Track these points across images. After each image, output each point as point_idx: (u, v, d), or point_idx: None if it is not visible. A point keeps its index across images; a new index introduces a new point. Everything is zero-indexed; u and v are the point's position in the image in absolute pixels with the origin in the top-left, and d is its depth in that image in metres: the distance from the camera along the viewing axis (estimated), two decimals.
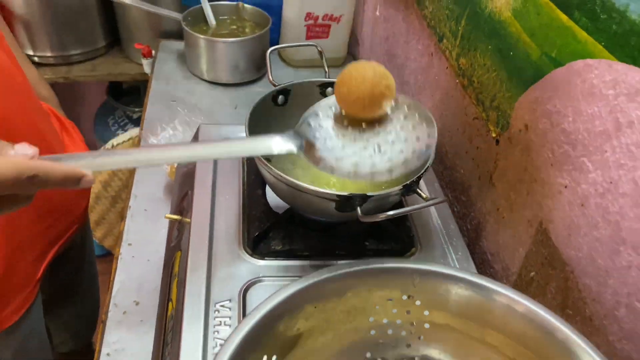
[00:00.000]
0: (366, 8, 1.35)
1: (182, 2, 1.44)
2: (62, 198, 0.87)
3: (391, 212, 0.58)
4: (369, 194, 0.63)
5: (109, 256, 2.02)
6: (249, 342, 0.47)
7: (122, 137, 1.53)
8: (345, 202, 0.63)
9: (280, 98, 0.79)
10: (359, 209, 0.62)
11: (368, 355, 0.57)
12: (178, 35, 1.46)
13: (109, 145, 1.53)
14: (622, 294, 0.49)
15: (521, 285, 0.65)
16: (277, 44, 1.43)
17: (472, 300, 0.53)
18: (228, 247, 0.70)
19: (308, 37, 1.36)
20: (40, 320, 0.92)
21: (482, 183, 0.76)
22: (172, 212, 0.83)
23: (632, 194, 0.46)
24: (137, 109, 1.67)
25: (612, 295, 0.50)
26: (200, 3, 1.34)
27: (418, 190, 0.66)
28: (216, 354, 0.46)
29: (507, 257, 0.69)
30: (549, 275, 0.59)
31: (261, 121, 0.75)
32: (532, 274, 0.62)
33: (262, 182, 0.77)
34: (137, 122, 1.67)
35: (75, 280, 1.10)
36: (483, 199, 0.76)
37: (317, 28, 1.35)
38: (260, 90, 1.31)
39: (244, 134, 0.85)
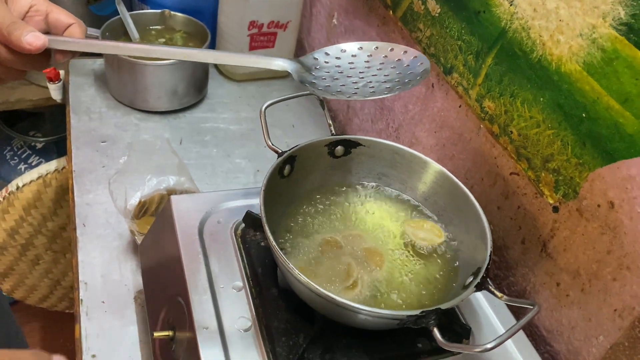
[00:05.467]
0: (315, 12, 1.19)
1: (93, 10, 1.18)
2: None
3: (491, 344, 0.46)
4: (443, 307, 0.51)
5: (17, 304, 1.74)
6: None
7: (30, 175, 1.26)
8: (415, 322, 0.51)
9: (287, 168, 0.63)
10: (436, 330, 0.50)
11: None
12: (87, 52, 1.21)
13: (12, 186, 1.26)
14: None
15: None
16: None
17: None
18: None
19: (252, 48, 1.18)
20: None
21: (527, 248, 0.66)
22: (155, 325, 0.65)
23: None
24: (41, 137, 1.39)
25: None
26: (117, 13, 1.11)
27: (490, 288, 0.55)
28: None
29: (576, 340, 0.61)
30: None
31: (270, 199, 0.59)
32: None
33: (274, 278, 0.62)
34: (42, 153, 1.39)
35: None
36: (530, 267, 0.66)
37: (261, 37, 1.18)
38: (204, 115, 1.12)
39: (235, 202, 0.70)
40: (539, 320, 0.66)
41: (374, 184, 0.70)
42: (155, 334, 0.61)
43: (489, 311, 0.65)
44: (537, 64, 0.60)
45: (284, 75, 1.27)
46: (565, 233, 0.60)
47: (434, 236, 0.64)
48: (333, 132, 0.68)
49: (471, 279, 0.56)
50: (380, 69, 0.54)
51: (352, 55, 0.56)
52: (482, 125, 0.71)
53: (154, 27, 1.16)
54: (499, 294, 0.55)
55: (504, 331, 0.62)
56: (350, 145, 0.67)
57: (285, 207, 0.65)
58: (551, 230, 0.62)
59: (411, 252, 0.63)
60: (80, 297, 0.76)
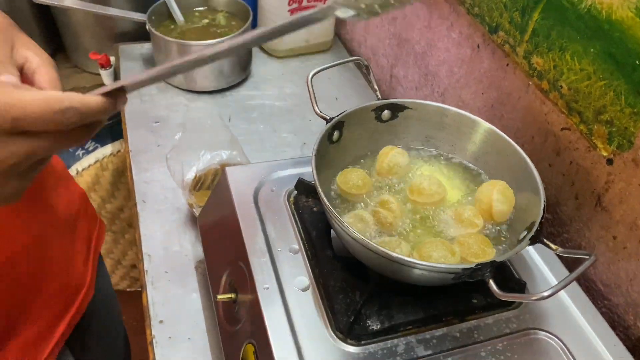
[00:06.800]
0: None
1: None
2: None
3: (549, 291, 0.47)
4: (497, 259, 0.52)
5: None
6: None
7: (87, 159, 1.33)
8: (471, 274, 0.52)
9: (335, 134, 0.65)
10: (492, 282, 0.51)
11: None
12: (137, 36, 1.25)
13: (72, 171, 1.33)
14: None
15: None
16: None
17: None
18: (314, 333, 0.57)
19: None
20: None
21: (581, 203, 0.66)
22: (217, 290, 0.68)
23: None
24: None
25: None
26: None
27: (545, 241, 0.55)
28: None
29: (635, 292, 0.60)
30: None
31: (320, 164, 0.61)
32: None
33: (328, 241, 0.64)
34: (97, 139, 1.45)
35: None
36: (585, 222, 0.66)
37: (302, 11, 1.18)
38: (250, 93, 1.15)
39: (286, 171, 0.73)
40: (595, 275, 0.66)
41: (422, 147, 0.70)
42: (219, 297, 0.64)
43: (543, 268, 0.65)
44: (586, 14, 0.59)
45: (324, 50, 1.28)
46: (621, 185, 0.59)
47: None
48: (379, 96, 0.69)
49: (525, 233, 0.56)
50: None
51: None
52: (530, 83, 0.70)
53: (197, 8, 1.18)
54: (554, 247, 0.55)
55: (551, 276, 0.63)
56: (397, 109, 0.68)
57: (335, 172, 0.67)
58: (606, 183, 0.61)
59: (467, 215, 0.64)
60: (145, 268, 0.80)
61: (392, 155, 0.65)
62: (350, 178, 0.63)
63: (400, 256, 0.51)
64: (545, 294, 0.47)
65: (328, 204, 0.55)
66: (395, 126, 0.69)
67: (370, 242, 0.51)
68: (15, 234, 0.60)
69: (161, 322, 0.74)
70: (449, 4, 0.85)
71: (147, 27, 1.09)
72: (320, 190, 0.56)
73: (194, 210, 0.83)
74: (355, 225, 0.59)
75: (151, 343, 0.72)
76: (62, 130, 0.36)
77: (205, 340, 0.73)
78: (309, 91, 0.66)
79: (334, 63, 0.68)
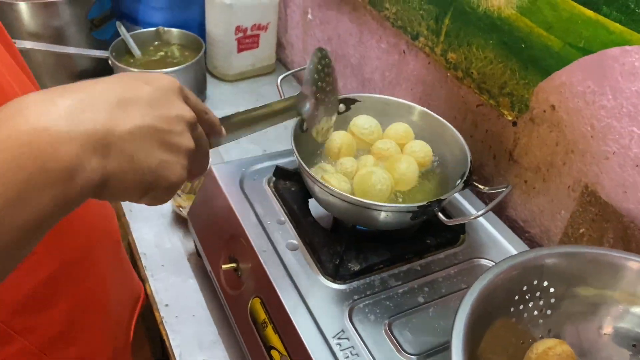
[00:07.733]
0: (290, 12, 1.37)
1: (95, 36, 1.33)
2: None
3: (480, 212, 0.64)
4: (443, 197, 0.68)
5: None
6: None
7: None
8: (424, 211, 0.68)
9: (304, 125, 0.80)
10: (440, 214, 0.67)
11: None
12: (95, 73, 1.36)
13: None
14: None
15: (570, 241, 0.75)
16: (205, 61, 1.39)
17: None
18: (309, 279, 0.71)
19: (240, 50, 1.35)
20: None
21: (498, 161, 0.85)
22: (216, 265, 0.81)
23: None
24: None
25: None
26: (117, 36, 1.26)
27: (474, 184, 0.73)
28: None
29: (546, 221, 0.79)
30: (604, 228, 0.70)
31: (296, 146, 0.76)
32: (582, 230, 0.73)
33: (307, 211, 0.79)
34: None
35: None
36: (503, 175, 0.85)
37: (247, 40, 1.34)
38: None
39: (263, 164, 0.87)
40: (516, 215, 0.85)
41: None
42: (223, 267, 0.77)
43: (473, 210, 0.83)
44: (484, 15, 0.78)
45: (268, 72, 1.44)
46: (525, 140, 0.78)
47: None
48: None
49: (459, 181, 0.73)
50: None
51: None
52: (448, 74, 0.89)
53: (152, 43, 1.31)
54: (482, 187, 0.73)
55: (492, 228, 0.81)
56: (349, 102, 0.85)
57: (305, 155, 0.82)
58: (514, 141, 0.80)
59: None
60: (143, 265, 0.91)
61: (357, 117, 0.82)
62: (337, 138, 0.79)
63: (370, 202, 0.67)
64: (480, 213, 0.64)
65: (308, 169, 0.70)
66: (350, 116, 0.85)
67: (348, 195, 0.67)
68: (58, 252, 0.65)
69: (167, 305, 0.85)
70: (376, 21, 1.03)
71: (109, 62, 1.20)
72: (299, 159, 0.71)
73: (181, 210, 0.95)
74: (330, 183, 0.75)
75: (161, 323, 0.83)
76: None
77: (208, 315, 0.85)
78: (278, 91, 0.82)
79: (299, 68, 0.84)
